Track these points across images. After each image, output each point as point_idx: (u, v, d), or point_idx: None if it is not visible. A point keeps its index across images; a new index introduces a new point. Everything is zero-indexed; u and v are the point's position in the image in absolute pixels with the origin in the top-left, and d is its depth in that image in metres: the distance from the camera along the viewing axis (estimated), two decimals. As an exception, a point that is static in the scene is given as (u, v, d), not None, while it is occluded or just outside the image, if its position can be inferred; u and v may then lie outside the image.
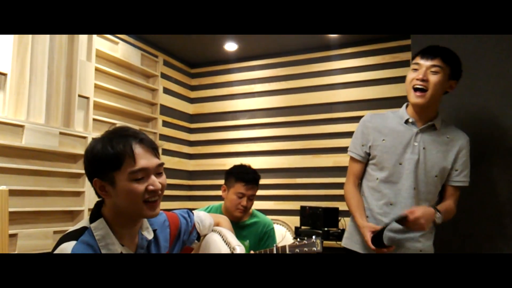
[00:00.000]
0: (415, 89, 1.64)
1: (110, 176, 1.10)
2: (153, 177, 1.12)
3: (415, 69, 1.64)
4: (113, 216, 1.17)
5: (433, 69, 1.61)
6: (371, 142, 1.76)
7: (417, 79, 1.62)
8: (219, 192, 2.29)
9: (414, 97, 1.64)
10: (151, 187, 1.11)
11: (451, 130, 1.74)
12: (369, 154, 1.78)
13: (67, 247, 1.07)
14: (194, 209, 1.60)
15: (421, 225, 1.55)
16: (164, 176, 1.18)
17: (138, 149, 1.11)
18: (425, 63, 1.62)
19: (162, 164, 1.17)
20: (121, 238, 1.16)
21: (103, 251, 1.12)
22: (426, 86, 1.61)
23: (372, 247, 1.62)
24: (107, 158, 1.09)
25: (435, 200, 1.74)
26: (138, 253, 1.22)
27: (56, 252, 1.08)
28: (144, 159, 1.11)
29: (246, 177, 2.13)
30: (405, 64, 3.09)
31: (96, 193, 1.17)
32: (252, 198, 2.14)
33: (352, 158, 1.85)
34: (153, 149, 1.15)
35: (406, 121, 1.73)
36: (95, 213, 1.18)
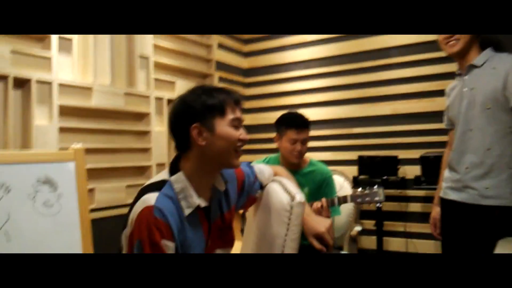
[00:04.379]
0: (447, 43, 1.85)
1: (210, 122, 1.23)
2: (242, 128, 1.30)
3: None
4: (195, 169, 1.26)
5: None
6: (447, 106, 2.00)
7: (446, 38, 1.83)
8: (275, 145, 2.35)
9: (448, 48, 1.84)
10: (242, 136, 1.28)
11: (498, 59, 1.78)
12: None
13: (151, 198, 1.18)
14: (251, 162, 1.67)
15: None
16: None
17: (236, 102, 1.29)
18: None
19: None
20: (197, 191, 1.26)
21: (181, 203, 1.22)
22: (457, 38, 1.80)
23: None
24: (213, 105, 1.24)
25: (501, 132, 1.73)
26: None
27: (140, 202, 1.19)
28: (239, 112, 1.30)
29: (295, 122, 2.20)
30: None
31: (182, 142, 1.27)
32: (305, 142, 2.21)
33: (449, 130, 2.08)
34: (240, 107, 1.32)
35: (457, 74, 1.92)
36: (174, 167, 1.27)
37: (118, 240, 1.26)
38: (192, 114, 1.23)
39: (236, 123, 1.26)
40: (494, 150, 1.72)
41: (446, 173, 1.95)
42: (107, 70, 2.52)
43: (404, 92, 3.07)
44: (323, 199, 2.06)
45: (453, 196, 1.87)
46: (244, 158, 3.64)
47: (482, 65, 1.78)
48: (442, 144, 2.84)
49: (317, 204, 2.04)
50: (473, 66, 1.81)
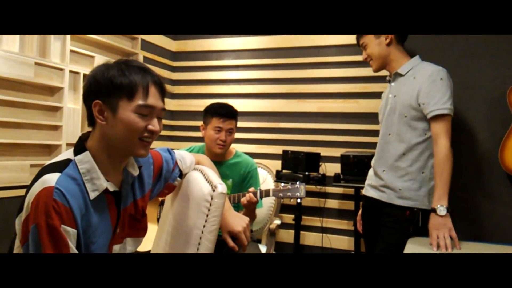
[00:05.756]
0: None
1: (114, 102, 1.09)
2: (155, 119, 1.14)
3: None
4: (101, 149, 1.14)
5: (363, 45, 1.92)
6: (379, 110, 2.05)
7: (365, 59, 1.96)
8: (201, 134, 2.27)
9: (371, 67, 1.95)
10: (151, 127, 1.12)
11: (419, 69, 1.85)
12: None
13: (51, 178, 1.04)
14: (175, 149, 1.57)
15: (433, 235, 1.65)
16: (161, 122, 1.18)
17: (152, 87, 1.13)
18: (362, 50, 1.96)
19: (164, 109, 1.18)
20: (106, 173, 1.14)
21: (87, 185, 1.09)
22: (370, 60, 1.93)
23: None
24: (121, 84, 1.09)
25: (415, 140, 1.81)
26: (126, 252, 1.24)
27: (38, 183, 1.04)
28: (154, 98, 1.13)
29: (222, 111, 2.17)
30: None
31: (89, 118, 1.15)
32: (230, 132, 2.17)
33: None
34: (163, 93, 1.17)
35: (387, 80, 1.99)
36: (80, 146, 1.14)
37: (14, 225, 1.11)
38: (96, 89, 1.11)
39: (145, 111, 1.11)
40: (409, 155, 1.81)
41: (369, 172, 2.02)
42: (15, 36, 2.24)
43: (330, 92, 3.13)
44: (252, 189, 2.03)
45: (372, 193, 1.94)
46: (167, 145, 3.50)
47: (406, 74, 1.85)
48: (363, 144, 2.95)
49: (247, 197, 2.00)
50: (398, 74, 1.87)
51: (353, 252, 2.84)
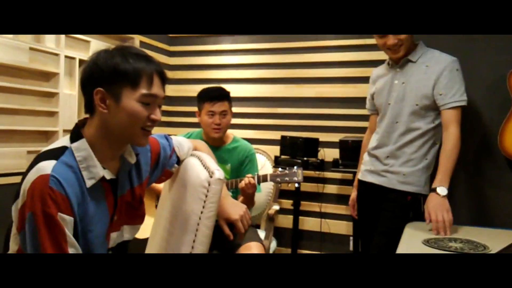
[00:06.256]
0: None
1: (118, 91, 1.07)
2: (157, 108, 1.13)
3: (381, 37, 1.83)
4: (99, 137, 1.12)
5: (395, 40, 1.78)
6: (372, 93, 2.00)
7: (393, 46, 1.79)
8: (198, 120, 2.26)
9: (393, 54, 1.84)
10: (153, 116, 1.12)
11: (431, 57, 1.82)
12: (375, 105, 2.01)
13: (47, 166, 1.02)
14: (172, 135, 1.56)
15: (431, 215, 1.62)
16: (161, 110, 1.17)
17: (156, 76, 1.12)
18: (381, 39, 1.81)
19: (164, 98, 1.17)
20: (103, 161, 1.13)
21: (84, 173, 1.08)
22: (402, 44, 1.78)
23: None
24: (125, 72, 1.07)
25: (424, 128, 1.81)
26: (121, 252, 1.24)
27: (34, 170, 1.03)
28: (157, 87, 1.12)
29: (212, 94, 2.16)
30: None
31: (88, 105, 1.12)
32: (225, 114, 2.17)
33: (370, 115, 2.12)
34: (164, 82, 1.16)
35: (388, 64, 1.93)
36: (76, 133, 1.12)
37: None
38: (98, 76, 1.08)
39: (149, 100, 1.10)
40: (415, 142, 1.80)
41: (365, 157, 2.00)
42: (9, 20, 2.20)
43: (329, 76, 3.11)
44: (249, 175, 2.04)
45: (371, 178, 1.93)
46: (165, 131, 3.49)
47: (417, 60, 1.81)
48: (361, 130, 2.93)
49: (245, 180, 2.01)
50: (409, 61, 1.83)
51: (351, 237, 2.86)
